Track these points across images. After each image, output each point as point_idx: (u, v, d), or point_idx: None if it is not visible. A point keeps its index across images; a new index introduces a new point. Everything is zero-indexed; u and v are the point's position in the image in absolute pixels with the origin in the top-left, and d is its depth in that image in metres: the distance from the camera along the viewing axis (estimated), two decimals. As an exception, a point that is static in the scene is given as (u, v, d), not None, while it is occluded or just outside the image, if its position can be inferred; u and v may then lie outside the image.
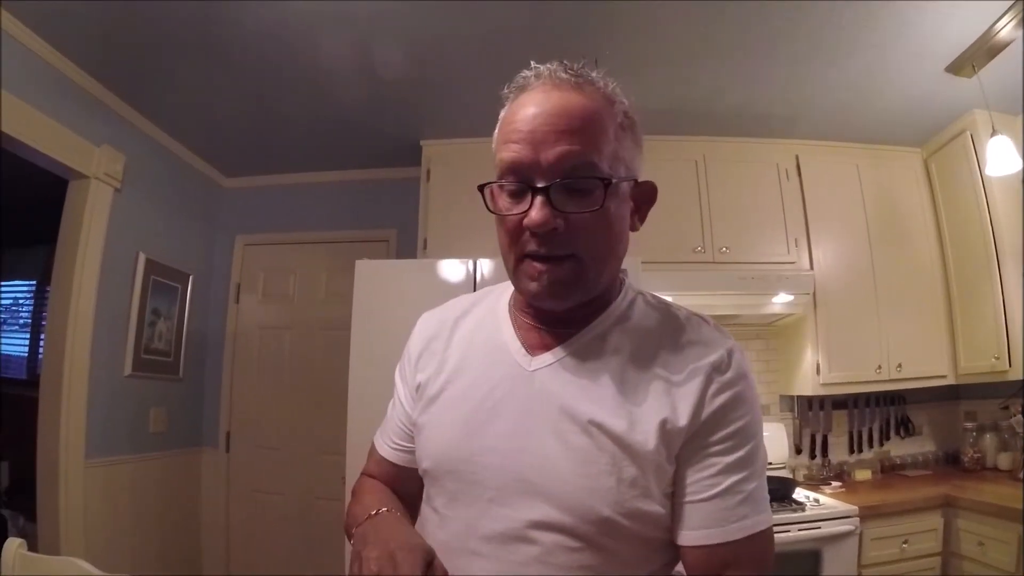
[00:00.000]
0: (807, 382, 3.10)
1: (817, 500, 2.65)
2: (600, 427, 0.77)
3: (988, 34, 2.39)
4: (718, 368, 0.79)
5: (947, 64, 2.61)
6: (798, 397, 3.33)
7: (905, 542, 2.52)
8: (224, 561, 3.50)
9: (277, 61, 2.60)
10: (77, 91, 2.66)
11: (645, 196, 0.89)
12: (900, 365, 3.07)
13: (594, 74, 0.83)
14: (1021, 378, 2.75)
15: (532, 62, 0.83)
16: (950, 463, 3.33)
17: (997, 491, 2.58)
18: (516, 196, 0.79)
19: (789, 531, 2.41)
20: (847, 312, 3.11)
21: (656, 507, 0.77)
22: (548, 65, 0.82)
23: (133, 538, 2.97)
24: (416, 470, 0.93)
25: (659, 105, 2.99)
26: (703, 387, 0.78)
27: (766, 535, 0.78)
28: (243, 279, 3.79)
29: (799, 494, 2.70)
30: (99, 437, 2.75)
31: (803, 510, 2.50)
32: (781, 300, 2.99)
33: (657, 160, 3.18)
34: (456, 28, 2.41)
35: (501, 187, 0.80)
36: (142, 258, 3.08)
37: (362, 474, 1.06)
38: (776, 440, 3.17)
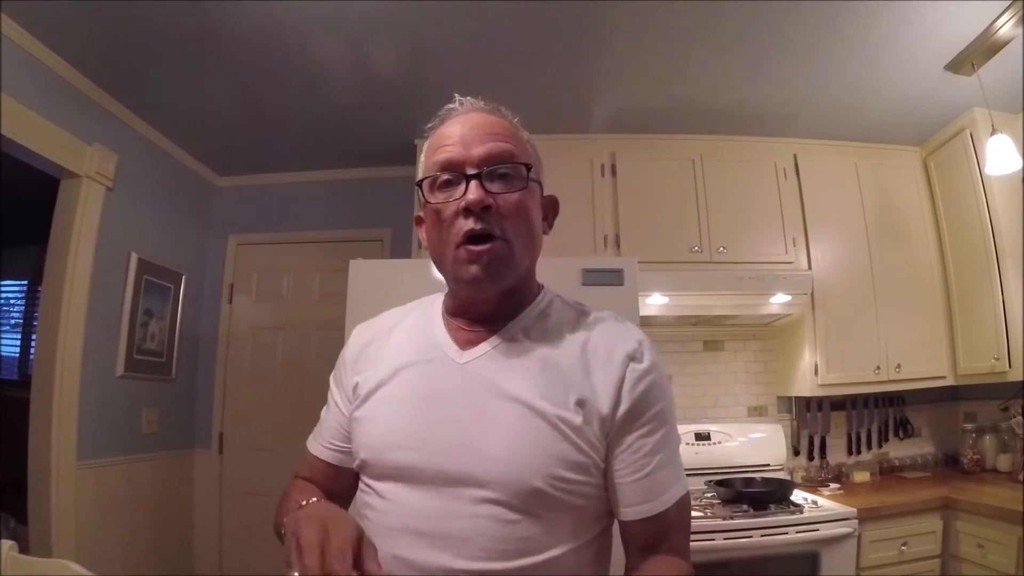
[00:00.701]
0: (805, 383, 3.07)
1: (815, 502, 2.62)
2: (529, 406, 0.86)
3: (988, 32, 2.38)
4: (634, 358, 0.91)
5: (946, 62, 2.59)
6: (796, 398, 3.31)
7: (904, 544, 2.50)
8: (217, 563, 3.47)
9: (270, 59, 2.58)
10: (69, 89, 2.64)
11: (551, 207, 1.03)
12: (899, 366, 3.05)
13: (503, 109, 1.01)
14: (1021, 379, 2.73)
15: (456, 95, 1.00)
16: (949, 465, 3.31)
17: (997, 493, 2.56)
18: (450, 188, 0.91)
19: (787, 533, 2.38)
20: (845, 312, 3.08)
21: (585, 478, 0.86)
22: (469, 98, 1.00)
23: (125, 540, 2.95)
24: (349, 470, 1.00)
25: (655, 103, 2.98)
26: (621, 375, 0.89)
27: (686, 497, 0.92)
28: (236, 279, 3.77)
29: (797, 496, 2.67)
30: (91, 438, 2.73)
31: (801, 512, 2.47)
32: (779, 300, 2.97)
33: (653, 159, 3.18)
34: (451, 26, 2.39)
35: (435, 180, 0.92)
36: (134, 258, 3.06)
37: (293, 477, 1.11)
38: (774, 441, 3.15)
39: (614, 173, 3.15)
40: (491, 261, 0.88)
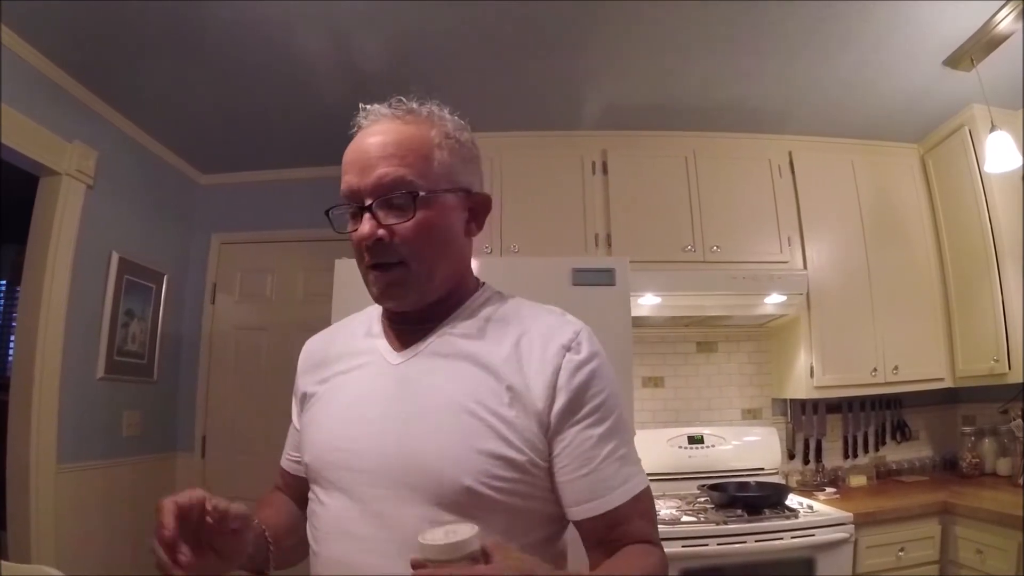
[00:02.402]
0: (800, 385, 3.04)
1: (811, 507, 2.59)
2: (458, 404, 0.86)
3: (987, 26, 2.34)
4: (570, 348, 0.89)
5: (945, 57, 2.56)
6: (791, 401, 3.27)
7: (901, 550, 2.47)
8: (201, 569, 3.41)
9: (254, 55, 2.55)
10: (49, 86, 2.60)
11: (480, 206, 1.00)
12: (896, 367, 3.01)
13: (416, 104, 0.96)
14: (1021, 381, 2.69)
15: (360, 104, 0.98)
16: (948, 468, 3.27)
17: (996, 497, 2.53)
18: (354, 217, 0.91)
19: (782, 538, 2.35)
20: (842, 313, 3.04)
21: (520, 476, 0.84)
22: (376, 105, 0.96)
23: (105, 545, 2.90)
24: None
25: (648, 100, 2.95)
26: (557, 366, 0.87)
27: (645, 492, 0.89)
28: (219, 279, 3.73)
29: (792, 500, 2.64)
30: (71, 441, 2.69)
31: (796, 517, 2.44)
32: (774, 300, 2.93)
33: (645, 156, 3.14)
34: (438, 22, 2.35)
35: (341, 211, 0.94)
36: (115, 257, 3.01)
37: (273, 488, 1.16)
38: (768, 445, 3.11)
39: (605, 171, 3.11)
40: (389, 287, 0.90)
